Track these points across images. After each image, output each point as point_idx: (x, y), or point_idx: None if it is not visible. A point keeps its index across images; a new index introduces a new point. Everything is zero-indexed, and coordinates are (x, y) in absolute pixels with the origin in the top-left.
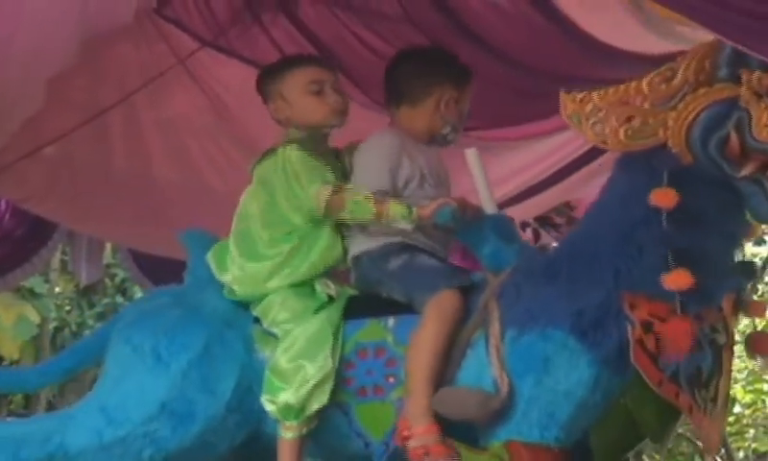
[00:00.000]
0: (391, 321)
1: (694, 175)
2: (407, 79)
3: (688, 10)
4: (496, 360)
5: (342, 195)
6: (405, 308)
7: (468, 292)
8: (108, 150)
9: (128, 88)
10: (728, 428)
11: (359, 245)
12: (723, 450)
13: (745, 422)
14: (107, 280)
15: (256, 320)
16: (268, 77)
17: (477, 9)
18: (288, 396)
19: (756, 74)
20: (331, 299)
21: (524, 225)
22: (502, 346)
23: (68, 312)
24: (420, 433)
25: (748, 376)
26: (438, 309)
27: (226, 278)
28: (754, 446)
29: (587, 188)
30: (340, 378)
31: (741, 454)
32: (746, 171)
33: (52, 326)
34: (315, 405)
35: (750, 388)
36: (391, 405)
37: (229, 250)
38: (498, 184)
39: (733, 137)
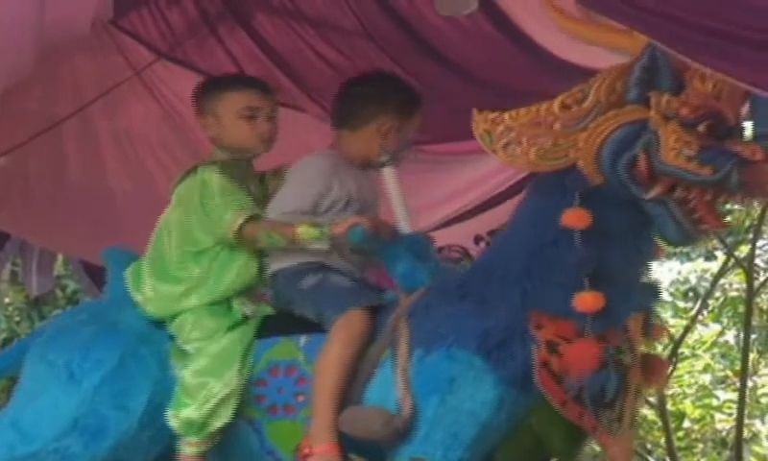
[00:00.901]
0: (303, 339)
1: (604, 195)
2: (352, 103)
3: (640, 24)
4: (401, 380)
5: (255, 226)
6: (319, 327)
7: (379, 312)
8: (62, 161)
9: (83, 100)
10: (677, 443)
11: (276, 263)
12: None
13: (694, 437)
14: (57, 292)
15: (173, 337)
16: (206, 92)
17: (434, 23)
18: (190, 411)
19: (665, 97)
20: (246, 318)
21: (478, 239)
22: (409, 366)
23: (18, 323)
24: (320, 452)
25: (697, 391)
26: (345, 329)
27: (138, 297)
28: None
29: None
30: (252, 396)
31: None
32: (653, 193)
33: (1, 336)
34: (217, 423)
35: (699, 403)
36: (300, 424)
37: (143, 270)
38: (453, 199)
39: (642, 159)
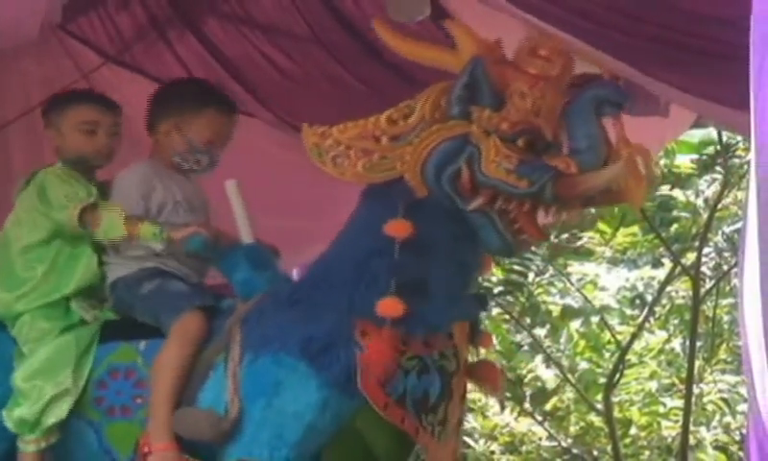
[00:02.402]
0: (142, 344)
1: (429, 207)
2: (148, 109)
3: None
4: (231, 383)
5: (97, 210)
6: (160, 332)
7: (217, 316)
8: (7, 163)
9: (31, 103)
10: (624, 450)
11: (116, 271)
12: None
13: (641, 444)
14: None
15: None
16: (52, 106)
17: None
18: (22, 410)
19: (486, 112)
20: (84, 321)
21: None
22: (239, 369)
23: None
24: (159, 450)
25: (644, 397)
26: (180, 331)
27: None
28: None
29: None
30: (92, 397)
31: None
32: (476, 204)
33: None
34: (51, 419)
35: (646, 410)
36: (138, 424)
37: None
38: None
39: (465, 172)
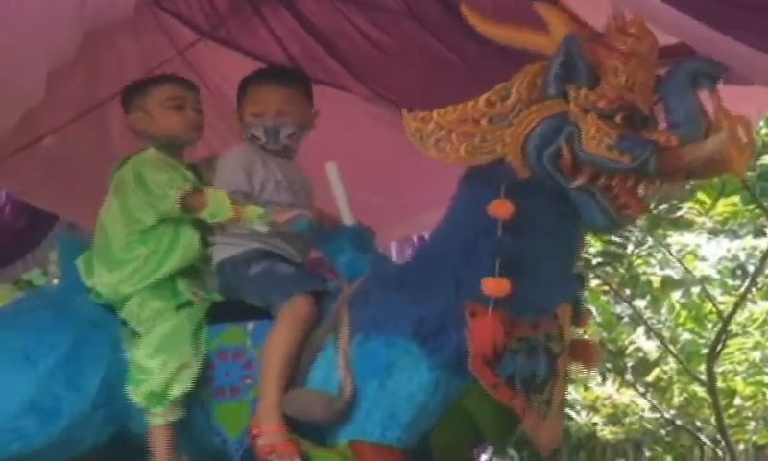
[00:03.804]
0: (250, 325)
1: (531, 187)
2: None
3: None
4: (342, 364)
5: (199, 194)
6: (265, 314)
7: (323, 299)
8: (106, 142)
9: (127, 81)
10: (728, 421)
11: (222, 252)
12: (723, 443)
13: (745, 414)
14: None
15: (125, 322)
16: (131, 91)
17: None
18: (149, 384)
19: (583, 90)
20: (190, 303)
21: None
22: (350, 350)
23: None
24: (269, 432)
25: (748, 368)
26: (290, 314)
27: (89, 283)
28: (754, 438)
29: None
30: (202, 378)
31: (741, 447)
32: (578, 182)
33: None
34: (177, 390)
35: (750, 380)
36: (247, 405)
37: (93, 257)
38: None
39: (565, 151)
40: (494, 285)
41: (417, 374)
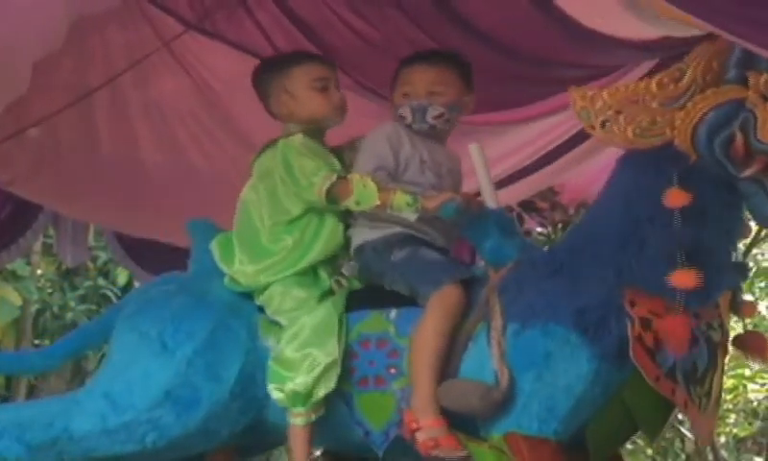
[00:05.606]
0: (393, 313)
1: (699, 174)
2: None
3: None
4: (498, 353)
5: (345, 181)
6: (406, 300)
7: (470, 286)
8: (93, 132)
9: (114, 71)
10: None
11: (362, 235)
12: None
13: (726, 407)
14: (89, 263)
15: (261, 309)
16: (270, 71)
17: None
18: (295, 383)
19: (764, 77)
20: (332, 291)
21: (508, 209)
22: (504, 340)
23: (50, 294)
24: (429, 425)
25: (730, 361)
26: (441, 304)
27: (229, 269)
28: (735, 431)
29: (571, 173)
30: (343, 368)
31: (723, 439)
32: (749, 171)
33: (34, 308)
34: (322, 391)
35: (731, 373)
36: (392, 396)
37: (233, 243)
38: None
39: (738, 138)
40: (683, 278)
41: (575, 364)
